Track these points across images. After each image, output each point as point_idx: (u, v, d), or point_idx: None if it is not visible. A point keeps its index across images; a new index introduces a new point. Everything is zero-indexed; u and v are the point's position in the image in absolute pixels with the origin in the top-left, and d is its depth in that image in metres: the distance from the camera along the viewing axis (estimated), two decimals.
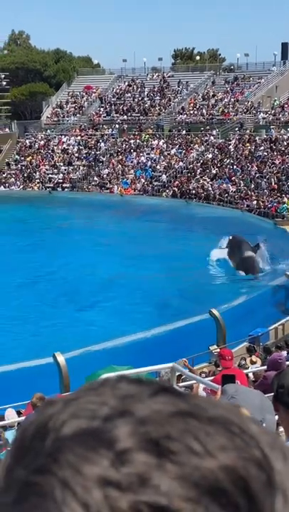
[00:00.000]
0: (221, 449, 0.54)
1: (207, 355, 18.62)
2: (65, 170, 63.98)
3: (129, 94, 71.62)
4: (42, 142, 68.37)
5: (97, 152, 64.61)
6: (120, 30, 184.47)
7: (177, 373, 9.26)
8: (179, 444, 0.53)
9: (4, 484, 0.57)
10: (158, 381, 0.62)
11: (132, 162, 62.07)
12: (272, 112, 62.27)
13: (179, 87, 70.22)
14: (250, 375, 12.93)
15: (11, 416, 12.61)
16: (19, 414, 12.80)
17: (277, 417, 4.48)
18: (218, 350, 14.36)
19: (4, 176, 65.54)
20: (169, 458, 0.53)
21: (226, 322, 19.86)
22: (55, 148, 67.18)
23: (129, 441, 0.53)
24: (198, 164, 58.05)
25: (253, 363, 14.92)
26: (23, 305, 27.92)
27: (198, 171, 57.12)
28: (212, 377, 10.17)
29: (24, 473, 0.55)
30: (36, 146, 68.25)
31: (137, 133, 65.55)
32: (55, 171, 64.45)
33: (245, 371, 12.01)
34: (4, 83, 71.42)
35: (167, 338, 19.26)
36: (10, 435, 11.52)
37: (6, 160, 67.09)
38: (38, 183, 63.65)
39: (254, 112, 62.84)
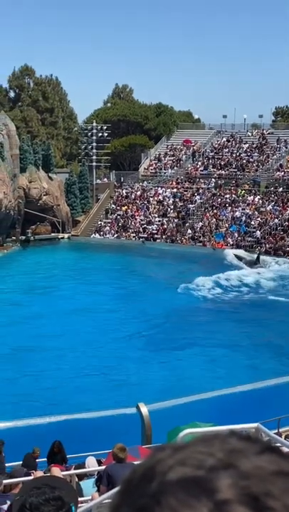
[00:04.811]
0: None
1: None
2: (160, 221, 64.47)
3: (227, 150, 71.91)
4: (138, 193, 69.29)
5: (192, 205, 64.90)
6: (222, 87, 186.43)
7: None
8: (277, 502, 0.55)
9: None
10: (266, 440, 0.65)
11: (226, 216, 61.96)
12: None
13: (278, 144, 70.02)
14: None
15: (92, 464, 12.44)
16: (100, 463, 12.58)
17: None
18: None
19: (99, 223, 66.68)
20: None
21: None
22: (150, 199, 67.91)
23: (229, 493, 0.55)
24: None
25: None
26: (108, 352, 27.97)
27: None
28: None
29: (128, 511, 0.59)
30: (132, 196, 69.20)
31: (233, 188, 65.57)
32: (150, 221, 65.03)
33: None
34: (106, 134, 73.21)
35: (254, 396, 18.77)
36: (88, 484, 11.31)
37: (104, 209, 68.34)
38: (132, 232, 64.32)
39: None
